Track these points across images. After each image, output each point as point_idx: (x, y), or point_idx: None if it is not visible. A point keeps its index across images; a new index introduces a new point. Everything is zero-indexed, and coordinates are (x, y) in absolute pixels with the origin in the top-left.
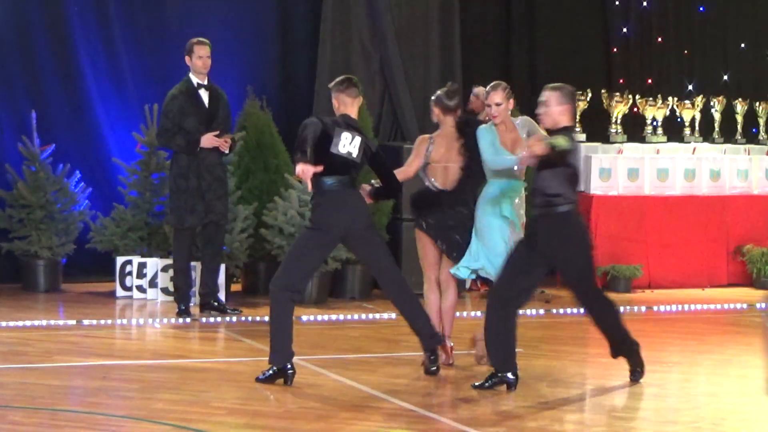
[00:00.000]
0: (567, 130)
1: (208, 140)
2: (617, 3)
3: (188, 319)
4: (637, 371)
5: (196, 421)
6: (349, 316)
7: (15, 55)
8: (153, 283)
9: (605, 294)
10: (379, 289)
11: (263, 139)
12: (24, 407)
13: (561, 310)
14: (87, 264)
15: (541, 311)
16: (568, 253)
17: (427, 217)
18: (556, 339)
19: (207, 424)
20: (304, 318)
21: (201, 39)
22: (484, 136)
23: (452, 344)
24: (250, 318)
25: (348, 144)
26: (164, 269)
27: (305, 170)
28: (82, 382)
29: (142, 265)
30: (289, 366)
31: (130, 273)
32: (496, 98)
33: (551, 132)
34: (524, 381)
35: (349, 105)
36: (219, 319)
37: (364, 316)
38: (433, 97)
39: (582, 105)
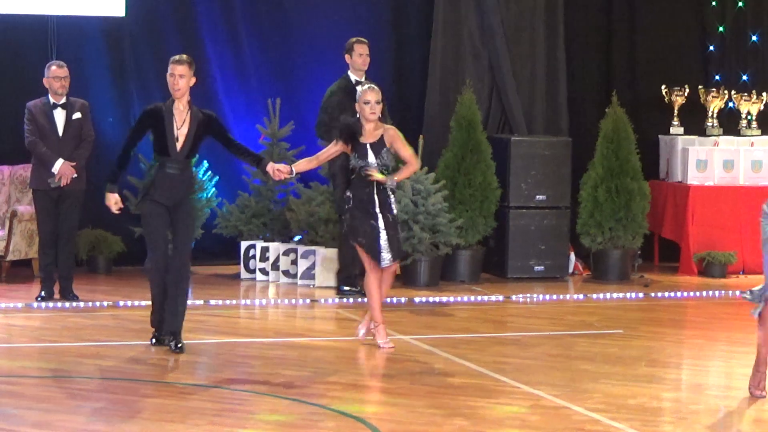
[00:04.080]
0: None
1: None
2: (714, 4)
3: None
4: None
5: (314, 395)
6: (458, 298)
7: (148, 51)
8: (275, 266)
9: None
10: (488, 273)
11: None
12: (154, 381)
13: (659, 294)
14: (213, 248)
15: (641, 295)
16: None
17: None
18: (655, 321)
19: (325, 398)
20: (417, 299)
21: (360, 38)
22: None
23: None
24: (363, 299)
25: None
26: (285, 253)
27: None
28: (209, 359)
29: (264, 249)
30: None
31: (253, 257)
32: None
33: None
34: (624, 360)
35: None
36: (342, 300)
37: (472, 298)
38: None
39: (680, 100)
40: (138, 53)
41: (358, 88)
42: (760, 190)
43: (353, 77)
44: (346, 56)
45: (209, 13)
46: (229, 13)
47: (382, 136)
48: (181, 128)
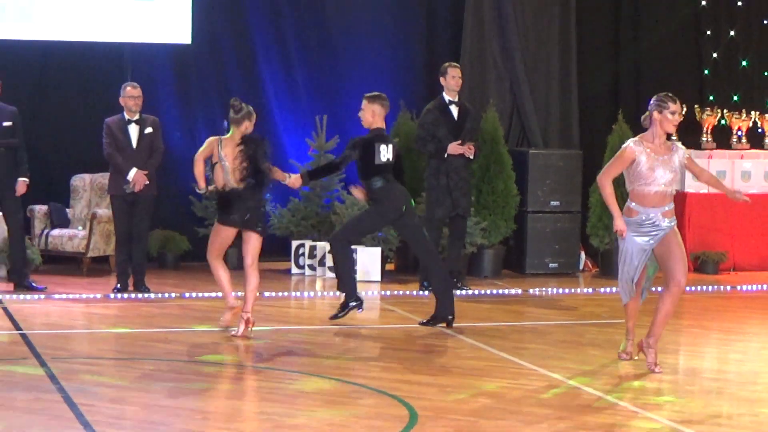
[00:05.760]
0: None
1: (452, 148)
2: (708, 33)
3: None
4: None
5: (356, 376)
6: (482, 291)
7: (211, 74)
8: (322, 263)
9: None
10: (508, 269)
11: (412, 144)
12: (215, 363)
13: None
14: (268, 246)
15: None
16: None
17: (231, 213)
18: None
19: (365, 379)
20: None
21: (453, 63)
22: None
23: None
24: (401, 292)
25: (386, 152)
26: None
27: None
28: (264, 343)
29: (312, 248)
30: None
31: (303, 254)
32: None
33: None
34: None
35: (381, 117)
36: (383, 293)
37: (495, 291)
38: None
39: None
40: (202, 76)
41: None
42: (748, 197)
43: (447, 97)
44: (441, 79)
45: (265, 41)
46: (282, 41)
47: None
48: None
